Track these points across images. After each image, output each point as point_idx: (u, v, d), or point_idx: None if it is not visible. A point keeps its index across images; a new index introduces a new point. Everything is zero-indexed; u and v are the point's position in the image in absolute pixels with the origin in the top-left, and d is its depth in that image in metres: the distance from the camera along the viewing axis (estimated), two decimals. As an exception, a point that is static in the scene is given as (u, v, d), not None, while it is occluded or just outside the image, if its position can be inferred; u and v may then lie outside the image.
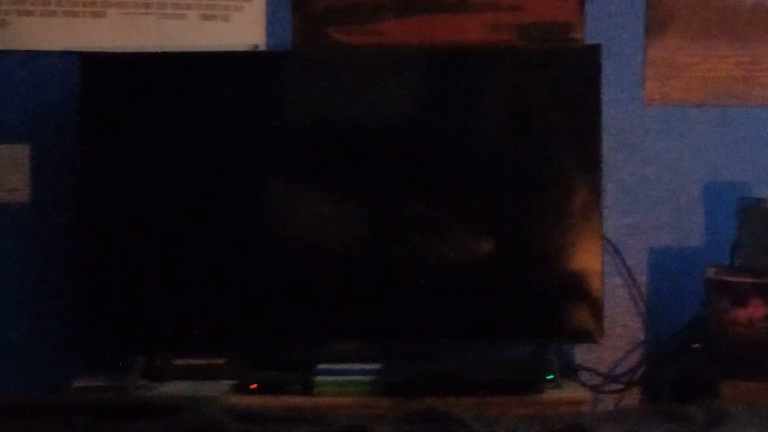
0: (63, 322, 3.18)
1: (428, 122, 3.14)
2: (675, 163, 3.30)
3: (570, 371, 3.13)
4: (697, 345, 3.05)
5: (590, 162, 3.08)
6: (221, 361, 3.02)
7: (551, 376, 2.93)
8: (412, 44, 3.23)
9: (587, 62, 3.10)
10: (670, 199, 3.29)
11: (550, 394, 2.91)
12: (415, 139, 3.13)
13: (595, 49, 3.11)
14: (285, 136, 3.13)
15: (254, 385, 2.93)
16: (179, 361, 3.01)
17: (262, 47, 3.25)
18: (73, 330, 3.12)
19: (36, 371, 3.18)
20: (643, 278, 3.28)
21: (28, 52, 3.24)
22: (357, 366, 2.97)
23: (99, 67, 3.11)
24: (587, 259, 3.08)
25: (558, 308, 3.09)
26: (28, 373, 3.18)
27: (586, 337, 3.10)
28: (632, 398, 3.23)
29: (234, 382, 2.96)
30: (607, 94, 3.16)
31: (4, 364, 3.19)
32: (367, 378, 2.93)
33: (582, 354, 3.22)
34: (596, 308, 3.07)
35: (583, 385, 3.14)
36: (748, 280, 2.92)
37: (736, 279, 2.95)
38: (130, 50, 3.16)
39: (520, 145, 3.13)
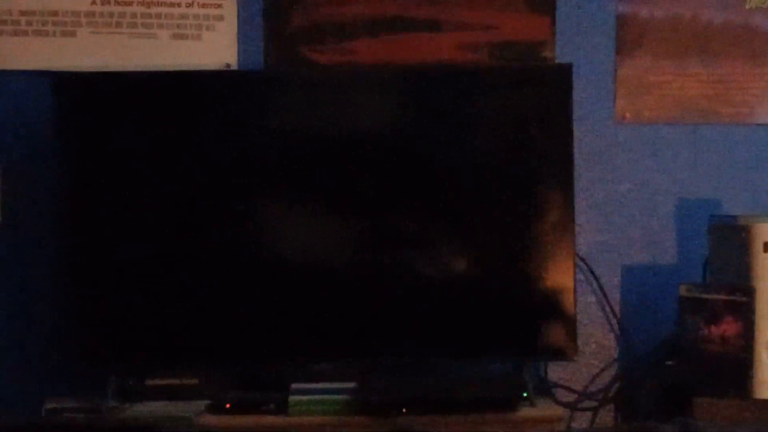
0: (34, 343, 3.16)
1: (400, 141, 3.14)
2: (647, 181, 3.32)
3: (544, 389, 3.13)
4: (671, 362, 3.06)
5: (562, 180, 3.10)
6: (195, 380, 3.00)
7: (526, 394, 2.94)
8: (385, 63, 3.24)
9: (559, 81, 3.11)
10: (642, 217, 3.31)
11: (525, 412, 2.91)
12: (387, 159, 3.13)
13: (567, 67, 3.12)
14: (258, 155, 3.12)
15: (229, 405, 2.91)
16: (152, 381, 2.99)
17: (234, 66, 3.25)
18: (45, 351, 3.10)
19: (6, 392, 3.16)
20: (616, 296, 3.29)
21: (-2, 71, 3.23)
22: (332, 385, 2.97)
23: (71, 86, 3.10)
24: (560, 276, 3.08)
25: (531, 326, 3.09)
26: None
27: (560, 354, 3.11)
28: (607, 415, 3.24)
29: (208, 401, 2.95)
30: (579, 112, 3.17)
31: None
32: (343, 397, 2.92)
33: (556, 372, 3.22)
34: (570, 326, 3.08)
35: (558, 402, 3.14)
36: (721, 297, 2.94)
37: (708, 296, 2.96)
38: (101, 69, 3.15)
39: (491, 164, 3.14)
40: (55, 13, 3.23)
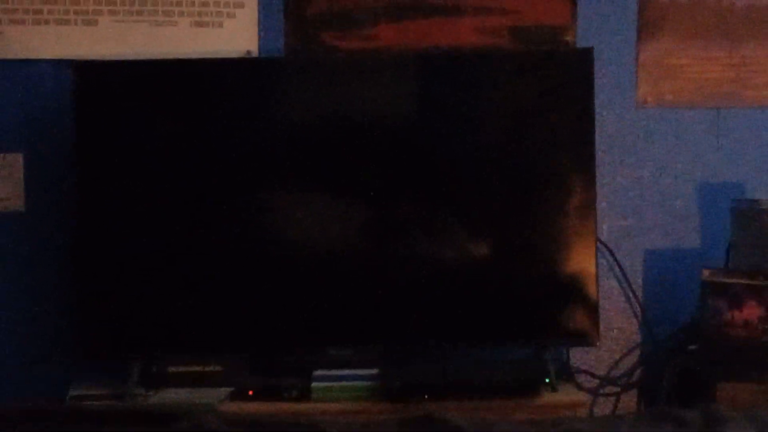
0: (58, 330, 3.18)
1: (422, 126, 3.13)
2: (669, 165, 3.30)
3: (567, 374, 3.13)
4: (693, 347, 3.05)
5: (584, 164, 3.09)
6: (218, 367, 3.01)
7: (548, 380, 2.94)
8: (405, 48, 3.23)
9: (580, 65, 3.10)
10: (665, 201, 3.30)
11: (548, 398, 2.91)
12: (409, 144, 3.13)
13: (588, 51, 3.11)
14: (279, 142, 3.12)
15: (251, 392, 2.92)
16: (175, 368, 3.00)
17: (255, 53, 3.25)
18: (69, 338, 3.11)
19: (32, 379, 3.18)
20: (638, 280, 3.28)
21: (20, 60, 3.23)
22: (354, 371, 2.97)
23: (92, 74, 3.10)
24: (582, 261, 3.08)
25: (554, 311, 3.09)
26: (24, 381, 3.18)
27: (582, 339, 3.10)
28: (629, 401, 3.23)
29: (231, 388, 2.96)
30: (600, 96, 3.16)
31: (0, 373, 3.19)
32: (364, 383, 2.93)
33: (578, 357, 3.22)
34: (592, 311, 3.07)
35: (580, 388, 3.14)
36: (744, 281, 2.92)
37: (731, 281, 2.95)
38: (122, 58, 3.16)
39: (514, 149, 3.13)
40: (77, 2, 3.23)
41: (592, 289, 3.07)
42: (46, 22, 3.23)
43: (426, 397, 2.87)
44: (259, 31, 3.25)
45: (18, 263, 3.23)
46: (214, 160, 3.10)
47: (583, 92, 3.08)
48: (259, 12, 3.26)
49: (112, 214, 3.09)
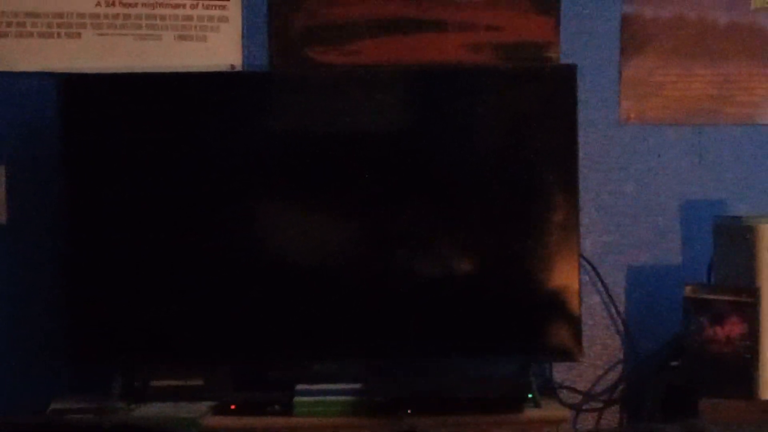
0: (39, 343, 3.16)
1: (404, 142, 3.14)
2: (651, 182, 3.32)
3: (549, 390, 3.13)
4: (676, 363, 3.06)
5: (567, 181, 3.10)
6: (200, 381, 3.00)
7: (531, 395, 2.94)
8: (389, 64, 3.24)
9: (563, 82, 3.11)
10: (647, 218, 3.31)
11: (530, 413, 2.91)
12: (392, 159, 3.13)
13: (571, 68, 3.12)
14: (263, 155, 3.12)
15: (233, 406, 2.92)
16: (157, 382, 3.00)
17: (239, 67, 3.25)
18: (51, 351, 3.10)
19: (13, 392, 3.16)
20: (621, 296, 3.29)
21: (3, 73, 3.23)
22: (337, 386, 2.96)
23: (76, 87, 3.10)
24: (565, 277, 3.08)
25: (536, 327, 3.09)
26: (5, 393, 3.16)
27: (565, 355, 3.11)
28: (612, 416, 3.23)
29: (213, 403, 2.95)
30: (583, 113, 3.17)
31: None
32: (347, 398, 2.92)
33: (561, 372, 3.22)
34: (575, 327, 3.08)
35: (563, 403, 3.14)
36: (726, 297, 2.94)
37: (713, 297, 2.96)
38: (106, 71, 3.15)
39: (497, 165, 3.14)
40: (61, 15, 3.23)
41: (575, 305, 3.07)
42: (30, 34, 3.22)
43: (409, 412, 2.87)
44: (243, 45, 3.26)
45: (0, 275, 3.21)
46: (199, 172, 3.09)
47: (567, 109, 3.09)
48: (243, 26, 3.26)
49: (92, 228, 3.08)
